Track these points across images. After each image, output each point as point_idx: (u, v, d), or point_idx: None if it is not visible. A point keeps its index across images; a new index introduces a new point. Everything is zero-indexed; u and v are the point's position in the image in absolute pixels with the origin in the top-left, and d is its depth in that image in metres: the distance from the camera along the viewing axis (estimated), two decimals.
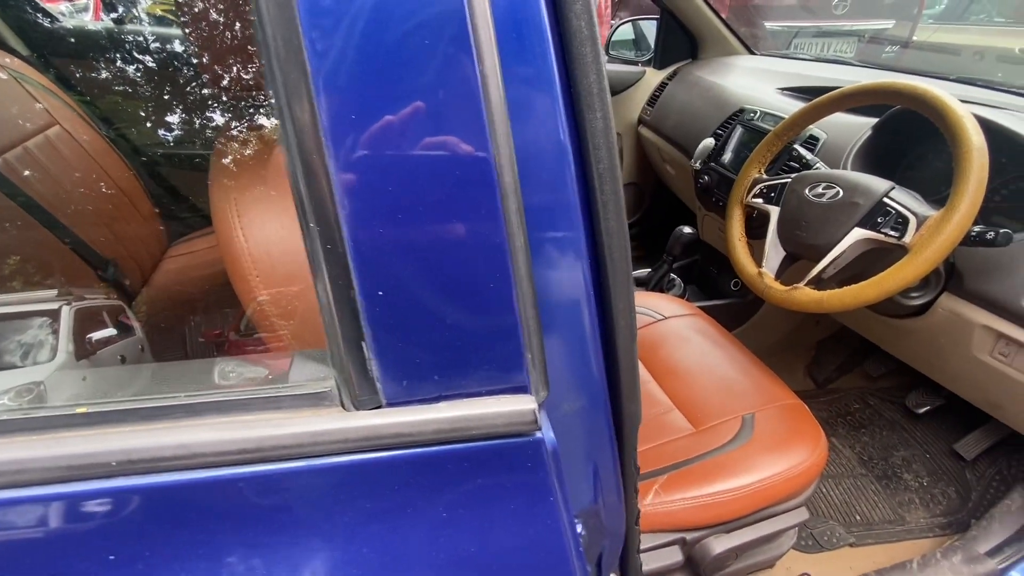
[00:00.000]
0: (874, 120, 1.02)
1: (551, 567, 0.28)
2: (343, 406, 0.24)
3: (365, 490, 0.25)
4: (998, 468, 1.13)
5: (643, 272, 1.43)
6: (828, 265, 0.80)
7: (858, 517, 1.13)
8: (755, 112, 1.26)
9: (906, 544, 1.07)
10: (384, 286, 0.23)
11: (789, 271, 0.91)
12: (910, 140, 0.99)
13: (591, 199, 0.26)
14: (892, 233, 0.74)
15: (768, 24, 3.03)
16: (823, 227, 0.81)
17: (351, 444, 0.24)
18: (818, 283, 0.83)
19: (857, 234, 0.77)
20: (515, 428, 0.25)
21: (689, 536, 0.79)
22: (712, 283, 1.53)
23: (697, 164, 1.34)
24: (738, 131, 1.28)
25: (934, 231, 0.69)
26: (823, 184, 0.84)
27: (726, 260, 1.35)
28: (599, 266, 0.27)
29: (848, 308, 0.77)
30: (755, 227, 1.07)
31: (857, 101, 0.85)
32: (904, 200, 0.75)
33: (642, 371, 1.02)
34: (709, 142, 1.32)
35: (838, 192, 0.81)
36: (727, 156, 1.29)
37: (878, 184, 0.78)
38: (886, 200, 0.76)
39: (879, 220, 0.76)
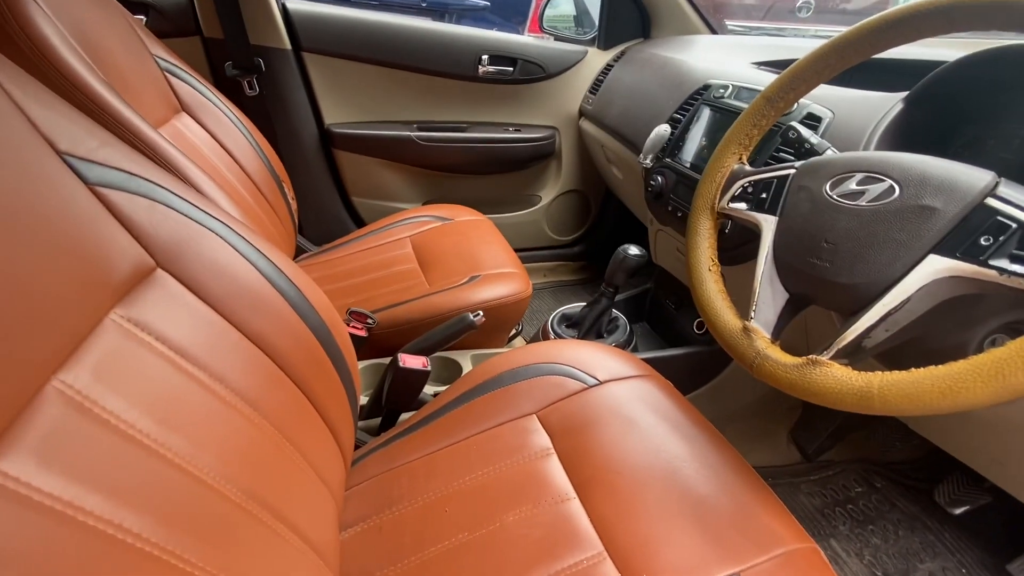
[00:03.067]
0: (902, 94, 0.68)
1: None
2: None
3: None
4: None
5: (575, 308, 1.03)
6: (878, 323, 0.42)
7: None
8: (726, 87, 0.90)
9: None
10: None
11: (794, 326, 0.54)
12: (960, 115, 0.64)
13: None
14: (1016, 269, 0.37)
15: (732, 23, 2.79)
16: (865, 253, 0.44)
17: None
18: (854, 355, 0.45)
19: (935, 267, 0.40)
20: None
21: None
22: (668, 322, 1.15)
23: (647, 161, 0.97)
24: (704, 113, 0.92)
25: None
26: (859, 175, 0.47)
27: (688, 291, 0.98)
28: None
29: (925, 413, 0.39)
30: (732, 247, 0.70)
31: (897, 36, 0.48)
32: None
33: (560, 474, 0.63)
34: (663, 130, 0.95)
35: (892, 188, 0.44)
36: (688, 148, 0.92)
37: (972, 175, 0.41)
38: (992, 202, 0.39)
39: (980, 242, 0.39)
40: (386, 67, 1.34)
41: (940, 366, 0.38)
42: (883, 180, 0.45)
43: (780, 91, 0.59)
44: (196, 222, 0.50)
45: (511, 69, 1.39)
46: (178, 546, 0.34)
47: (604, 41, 1.45)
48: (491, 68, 1.38)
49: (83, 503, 0.31)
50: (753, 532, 0.53)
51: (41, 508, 0.29)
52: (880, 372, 0.41)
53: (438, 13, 2.41)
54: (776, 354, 0.49)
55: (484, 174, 1.51)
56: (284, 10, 1.24)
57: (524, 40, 1.43)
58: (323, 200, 1.44)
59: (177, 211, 0.49)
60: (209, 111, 1.06)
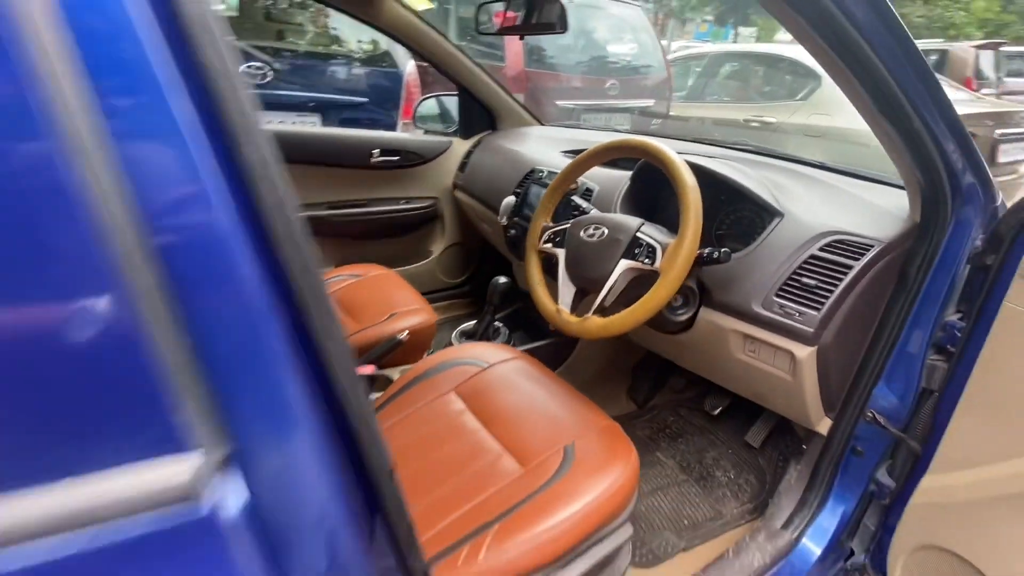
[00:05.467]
0: (630, 172, 1.22)
1: None
2: None
3: None
4: (779, 450, 1.34)
5: (469, 325, 1.46)
6: (607, 294, 0.90)
7: (686, 521, 1.23)
8: (543, 171, 1.42)
9: (726, 536, 1.19)
10: None
11: (582, 304, 1.01)
12: (657, 187, 1.20)
13: (254, 208, 0.25)
14: (647, 261, 0.87)
15: (560, 102, 3.54)
16: (597, 262, 0.92)
17: None
18: (603, 311, 0.92)
19: (623, 265, 0.89)
20: (166, 500, 0.21)
21: None
22: (534, 326, 1.63)
23: (504, 220, 1.45)
24: (532, 188, 1.42)
25: (672, 255, 0.83)
26: (593, 226, 0.96)
27: None
28: (282, 283, 0.26)
29: (628, 329, 0.87)
30: (554, 269, 1.18)
31: (606, 156, 1.01)
32: (652, 233, 0.89)
33: (472, 420, 1.02)
34: (510, 200, 1.44)
35: (604, 231, 0.94)
36: (527, 210, 1.42)
37: (631, 222, 0.92)
38: (638, 234, 0.90)
39: (636, 252, 0.89)
40: (295, 164, 1.70)
41: (626, 309, 0.86)
42: (602, 227, 0.94)
43: (560, 182, 1.09)
44: None
45: (397, 158, 1.82)
46: None
47: (464, 132, 1.95)
48: (381, 159, 1.80)
49: None
50: (581, 421, 0.97)
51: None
52: (609, 317, 0.88)
53: (324, 109, 2.80)
54: (571, 319, 0.95)
55: (385, 237, 1.90)
56: None
57: (404, 137, 1.89)
58: None
59: None
60: None
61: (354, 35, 3.19)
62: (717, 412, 1.43)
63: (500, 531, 0.79)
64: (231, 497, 0.23)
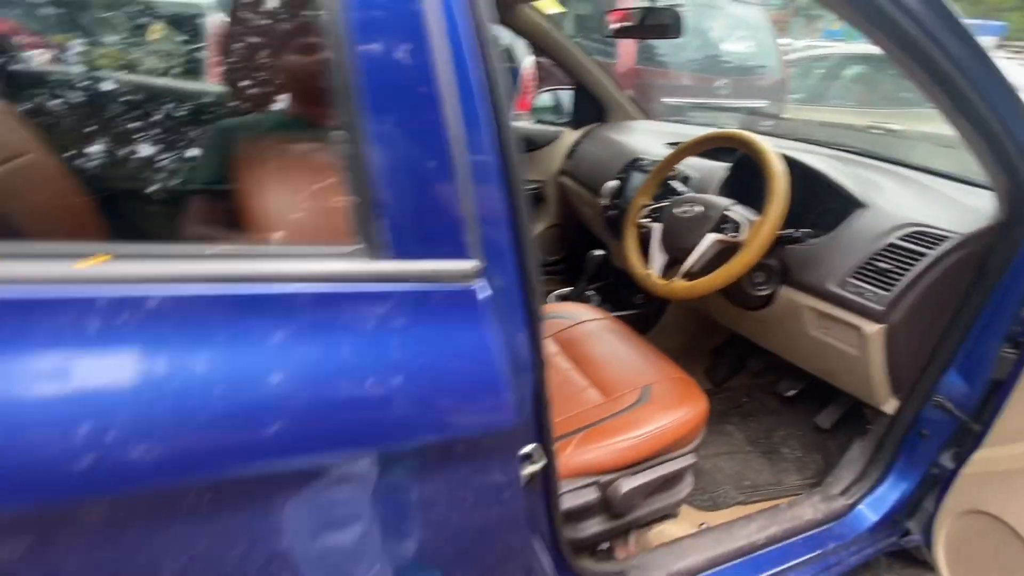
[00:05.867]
0: (728, 163, 1.35)
1: (483, 374, 0.47)
2: (368, 256, 0.44)
3: (375, 310, 0.43)
4: (848, 434, 1.41)
5: (567, 290, 1.67)
6: (694, 262, 1.07)
7: (747, 483, 1.36)
8: (646, 160, 1.59)
9: (784, 499, 1.30)
10: (394, 193, 0.44)
11: (670, 273, 1.18)
12: (753, 178, 1.32)
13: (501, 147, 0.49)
14: (733, 234, 1.02)
15: (667, 99, 3.61)
16: (688, 234, 1.09)
17: (373, 277, 0.43)
18: (689, 276, 1.09)
19: (710, 237, 1.05)
20: (460, 278, 0.45)
21: (603, 479, 0.97)
22: (624, 299, 1.80)
23: (605, 201, 1.63)
24: (634, 175, 1.59)
25: (756, 231, 0.97)
26: (687, 204, 1.13)
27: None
28: (508, 187, 0.49)
29: (710, 291, 1.03)
30: (647, 243, 1.35)
31: (705, 145, 1.16)
32: (740, 211, 1.04)
33: (564, 361, 1.23)
34: (613, 183, 1.62)
35: (697, 208, 1.10)
36: (627, 194, 1.59)
37: (722, 201, 1.07)
38: (727, 212, 1.05)
39: (724, 226, 1.04)
40: None
41: (710, 274, 1.02)
42: (696, 206, 1.10)
43: (662, 167, 1.26)
44: None
45: None
46: None
47: (575, 124, 2.15)
48: None
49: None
50: (659, 370, 1.14)
51: None
52: (694, 281, 1.05)
53: None
54: (659, 281, 1.12)
55: None
56: None
57: (522, 125, 2.12)
58: None
59: None
60: None
61: None
62: (791, 395, 1.52)
63: (584, 437, 0.99)
64: (483, 290, 0.47)
